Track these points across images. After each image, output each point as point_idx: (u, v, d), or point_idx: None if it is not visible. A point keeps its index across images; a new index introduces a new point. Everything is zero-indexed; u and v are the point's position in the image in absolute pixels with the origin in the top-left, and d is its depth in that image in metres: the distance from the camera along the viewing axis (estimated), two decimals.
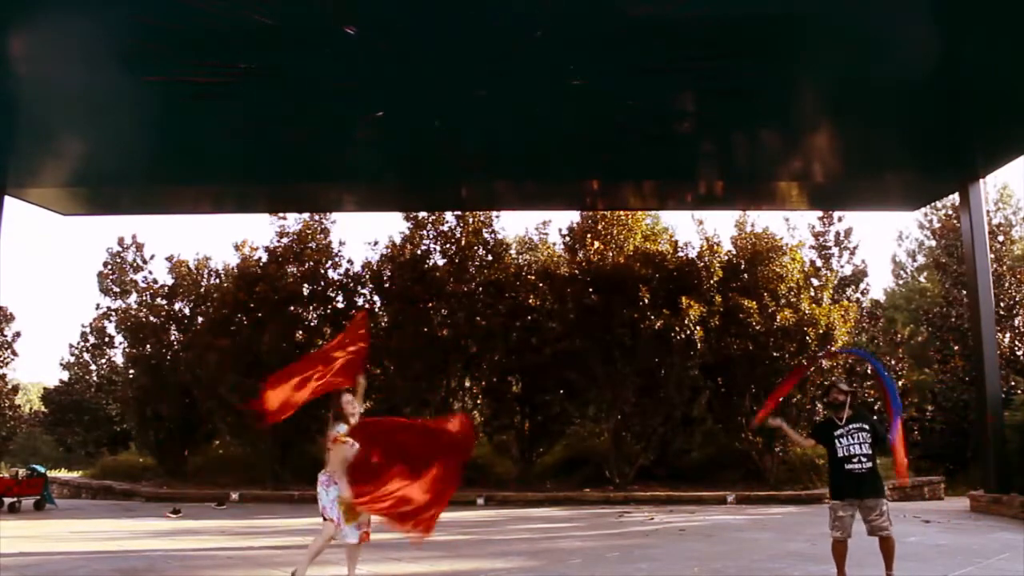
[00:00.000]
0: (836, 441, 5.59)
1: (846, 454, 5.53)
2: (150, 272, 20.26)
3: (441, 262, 15.01)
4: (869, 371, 14.87)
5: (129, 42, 7.69)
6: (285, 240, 15.54)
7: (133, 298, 19.10)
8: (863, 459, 5.47)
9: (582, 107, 9.27)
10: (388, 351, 14.47)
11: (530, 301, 14.84)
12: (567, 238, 15.21)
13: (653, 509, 12.00)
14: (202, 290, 16.41)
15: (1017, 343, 16.52)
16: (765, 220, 31.58)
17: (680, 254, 14.70)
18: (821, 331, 13.65)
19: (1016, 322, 16.62)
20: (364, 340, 6.13)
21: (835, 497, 5.64)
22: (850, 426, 5.58)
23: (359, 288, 15.62)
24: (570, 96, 8.95)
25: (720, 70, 8.26)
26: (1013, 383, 15.21)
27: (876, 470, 5.56)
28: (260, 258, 15.51)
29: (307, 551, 5.70)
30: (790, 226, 20.81)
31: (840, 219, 19.82)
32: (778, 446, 13.93)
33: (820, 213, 19.51)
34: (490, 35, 7.77)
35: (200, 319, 16.00)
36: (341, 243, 21.51)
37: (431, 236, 15.21)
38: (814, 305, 14.06)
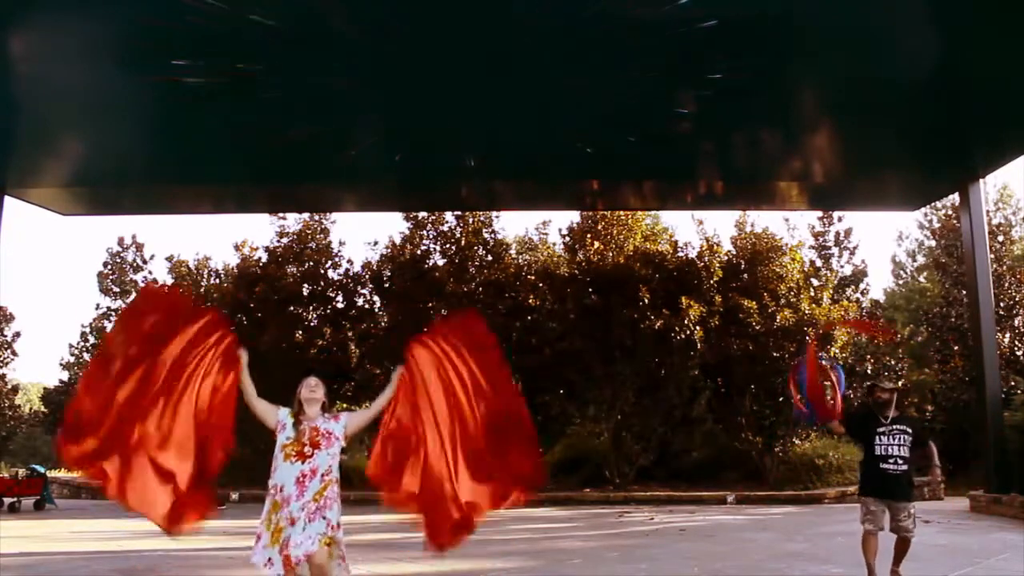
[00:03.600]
0: (876, 438, 5.51)
1: (883, 453, 5.47)
2: (150, 272, 20.36)
3: (441, 262, 15.01)
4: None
5: (129, 42, 7.69)
6: (285, 240, 15.55)
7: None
8: (899, 461, 5.42)
9: (582, 107, 9.27)
10: (388, 351, 14.47)
11: (530, 301, 14.84)
12: (567, 238, 15.22)
13: (653, 509, 12.00)
14: (202, 290, 16.42)
15: (1017, 343, 16.51)
16: (765, 220, 31.51)
17: (680, 254, 14.70)
18: (821, 331, 13.65)
19: (1016, 322, 16.62)
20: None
21: (866, 494, 5.59)
22: (894, 426, 5.50)
23: (359, 288, 15.63)
24: (570, 96, 8.96)
25: (720, 70, 8.26)
26: (1013, 383, 15.21)
27: (910, 473, 5.50)
28: (260, 258, 15.52)
29: None
30: (790, 226, 20.85)
31: (840, 219, 19.83)
32: (778, 446, 13.93)
33: (820, 213, 19.51)
34: (490, 35, 7.77)
35: None
36: (341, 243, 21.55)
37: (431, 236, 15.22)
38: (814, 305, 14.07)
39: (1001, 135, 10.67)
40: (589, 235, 14.69)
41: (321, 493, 4.09)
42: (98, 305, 20.76)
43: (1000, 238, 18.01)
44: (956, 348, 16.93)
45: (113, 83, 8.60)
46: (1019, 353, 16.40)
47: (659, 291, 13.60)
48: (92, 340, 21.13)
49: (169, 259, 17.06)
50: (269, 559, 3.97)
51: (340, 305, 15.56)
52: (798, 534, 8.81)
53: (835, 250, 19.79)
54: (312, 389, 4.29)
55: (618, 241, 14.63)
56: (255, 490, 14.06)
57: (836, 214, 19.64)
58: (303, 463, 4.12)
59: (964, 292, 15.71)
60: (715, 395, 14.56)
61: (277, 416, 4.28)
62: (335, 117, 9.68)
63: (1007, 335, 16.29)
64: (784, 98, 9.31)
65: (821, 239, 19.77)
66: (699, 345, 13.31)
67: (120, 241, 20.91)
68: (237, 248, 15.85)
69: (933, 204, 21.47)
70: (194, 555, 7.57)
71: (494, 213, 15.20)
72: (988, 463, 11.29)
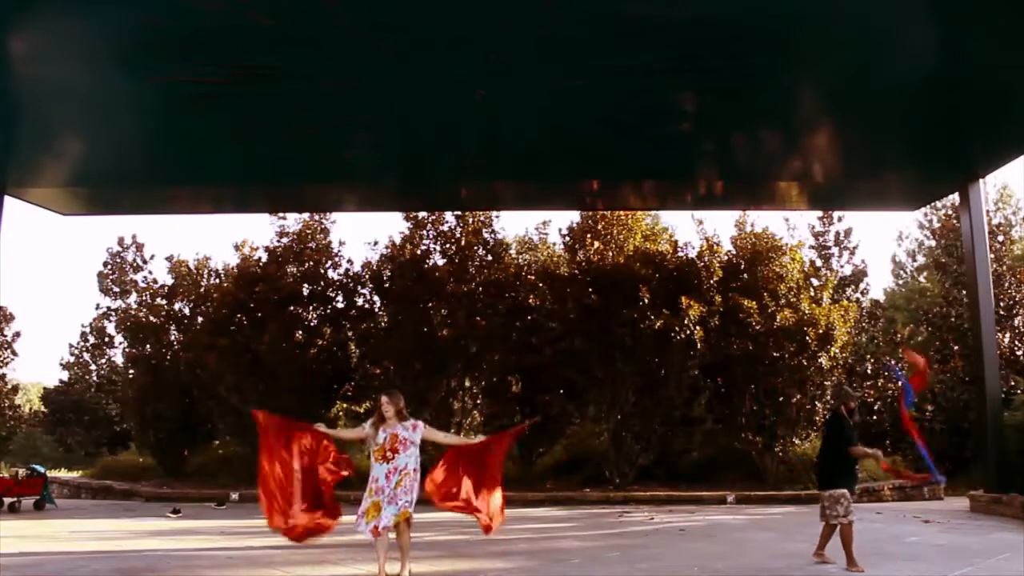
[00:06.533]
0: (855, 440, 6.68)
1: None
2: (150, 272, 20.28)
3: (441, 262, 15.00)
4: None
5: (130, 42, 7.70)
6: (285, 240, 15.53)
7: (133, 298, 19.11)
8: None
9: (582, 107, 9.27)
10: (388, 351, 14.47)
11: (530, 301, 14.83)
12: (567, 238, 15.20)
13: (653, 509, 12.00)
14: (202, 290, 16.38)
15: (1017, 343, 16.52)
16: (765, 220, 31.66)
17: (680, 254, 14.68)
18: (821, 331, 13.65)
19: (1016, 322, 16.62)
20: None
21: (850, 488, 6.67)
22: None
23: (359, 288, 15.62)
24: (570, 96, 8.96)
25: (720, 70, 8.26)
26: (1013, 383, 15.22)
27: None
28: (260, 258, 15.49)
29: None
30: (790, 226, 20.88)
31: (840, 219, 19.81)
32: (778, 446, 13.94)
33: (820, 213, 19.51)
34: (489, 35, 7.78)
35: (200, 319, 15.98)
36: (341, 243, 21.43)
37: (431, 236, 15.20)
38: (814, 305, 14.06)
39: (1001, 135, 10.69)
40: (589, 235, 14.67)
41: (400, 484, 5.89)
42: (98, 305, 20.73)
43: (1000, 238, 18.01)
44: (956, 348, 16.93)
45: (113, 83, 8.62)
46: (1019, 353, 16.41)
47: (659, 291, 13.58)
48: (92, 340, 21.15)
49: (169, 259, 17.01)
50: (369, 528, 5.84)
51: (340, 305, 15.54)
52: (798, 534, 8.80)
53: (835, 250, 19.76)
54: (384, 408, 6.03)
55: (618, 241, 14.62)
56: (255, 490, 14.04)
57: (836, 214, 19.62)
58: (388, 463, 5.95)
59: (964, 292, 15.71)
60: (715, 395, 14.55)
61: (364, 430, 6.16)
62: (335, 117, 9.69)
63: (1007, 335, 16.30)
64: (784, 98, 9.32)
65: (821, 239, 19.75)
66: (699, 345, 13.30)
67: (120, 241, 20.86)
68: (237, 248, 15.82)
69: (933, 204, 21.49)
70: (194, 555, 7.57)
71: (494, 213, 15.19)
72: (988, 463, 11.30)
